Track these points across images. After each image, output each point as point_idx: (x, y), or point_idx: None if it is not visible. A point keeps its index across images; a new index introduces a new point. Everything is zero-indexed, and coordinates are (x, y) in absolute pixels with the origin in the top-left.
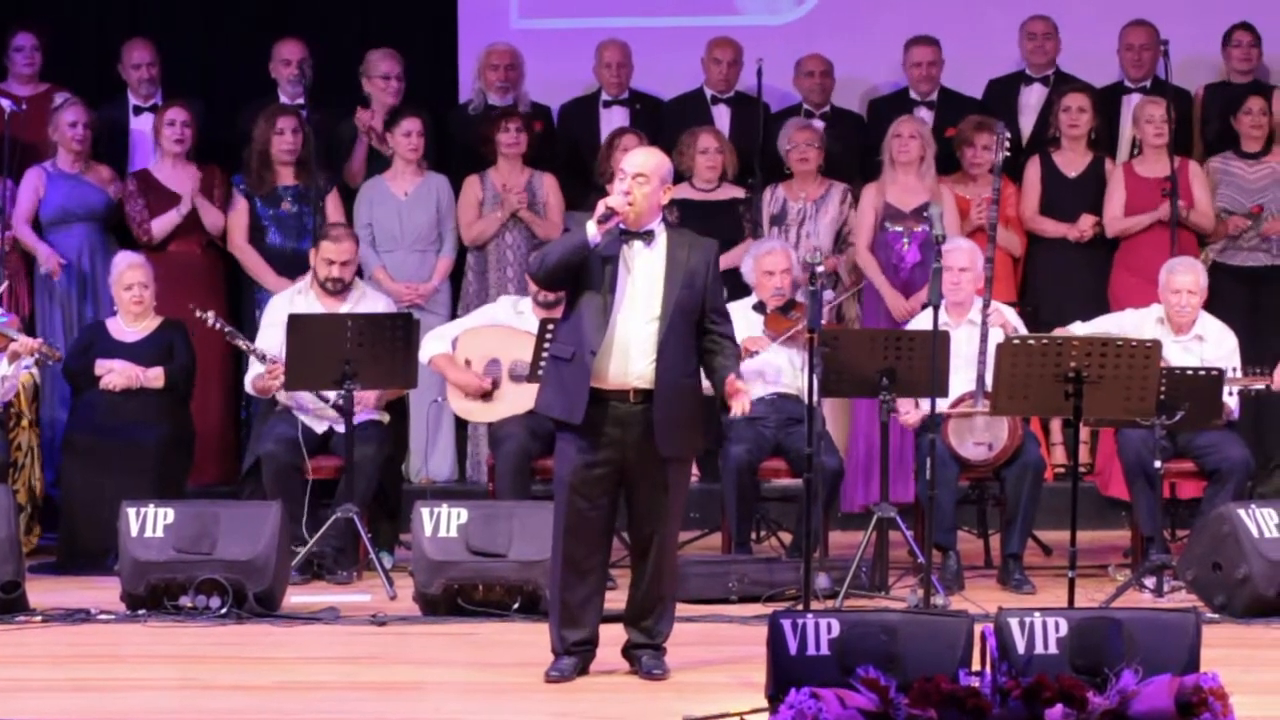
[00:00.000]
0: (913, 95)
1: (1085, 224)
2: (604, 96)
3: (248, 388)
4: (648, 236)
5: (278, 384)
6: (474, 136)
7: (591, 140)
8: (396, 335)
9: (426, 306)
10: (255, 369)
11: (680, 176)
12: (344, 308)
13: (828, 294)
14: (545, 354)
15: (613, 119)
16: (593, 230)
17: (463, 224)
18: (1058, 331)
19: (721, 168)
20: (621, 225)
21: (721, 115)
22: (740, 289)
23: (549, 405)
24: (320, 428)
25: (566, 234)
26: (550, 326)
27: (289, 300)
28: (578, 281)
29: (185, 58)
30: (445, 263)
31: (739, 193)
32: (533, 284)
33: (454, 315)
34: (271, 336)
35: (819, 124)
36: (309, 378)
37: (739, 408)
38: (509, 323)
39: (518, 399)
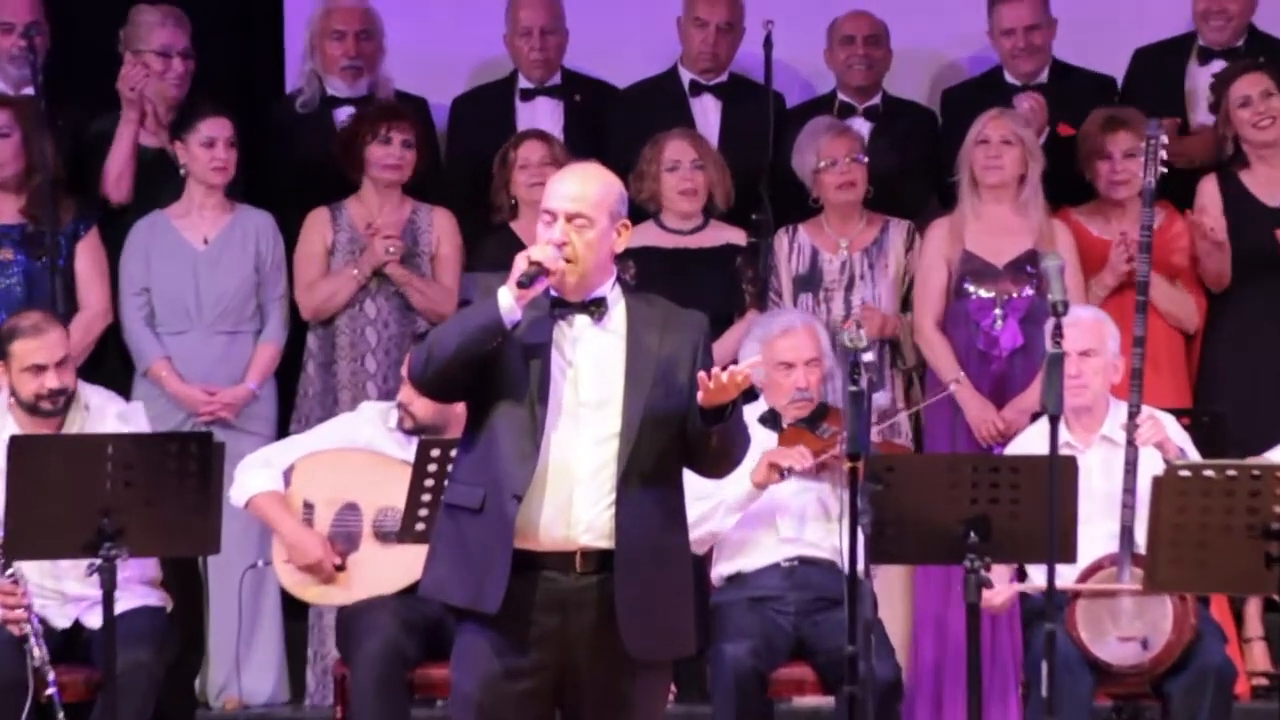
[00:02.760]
0: (1008, 78)
1: None
2: (521, 83)
3: None
4: (596, 308)
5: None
6: (310, 144)
7: (498, 147)
8: (188, 468)
9: (237, 422)
10: None
11: (640, 210)
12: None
13: (880, 397)
14: (428, 501)
15: (536, 116)
16: (508, 301)
17: (299, 286)
18: (1252, 460)
19: (704, 192)
20: (554, 291)
21: (706, 110)
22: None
23: (442, 585)
24: (63, 621)
25: (466, 309)
26: (436, 454)
27: None
28: (488, 385)
29: None
30: (268, 351)
31: (735, 235)
32: (411, 389)
33: (283, 434)
34: None
35: (864, 126)
36: (41, 540)
37: (729, 382)
38: (375, 446)
39: (385, 571)
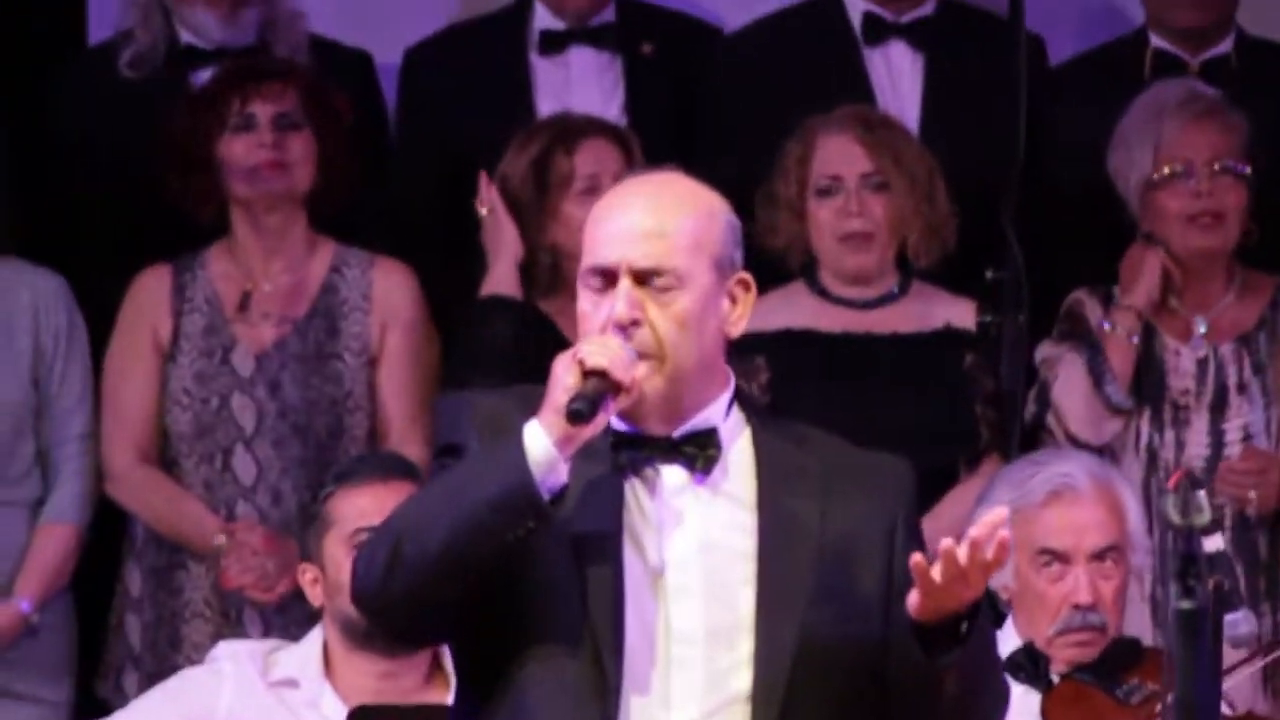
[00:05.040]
0: None
1: None
2: (541, 20)
3: None
4: (701, 450)
5: None
6: (138, 142)
7: (506, 132)
8: None
9: None
10: None
11: (774, 264)
12: None
13: (1239, 622)
14: None
15: (572, 83)
16: (545, 449)
17: (113, 420)
18: None
19: (892, 232)
20: (619, 422)
21: (895, 67)
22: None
23: None
24: None
25: (458, 468)
26: None
27: None
28: (504, 614)
29: None
30: (58, 541)
31: (958, 311)
32: (358, 611)
33: (86, 706)
34: None
35: (1211, 92)
36: None
37: (969, 563)
38: None
39: None
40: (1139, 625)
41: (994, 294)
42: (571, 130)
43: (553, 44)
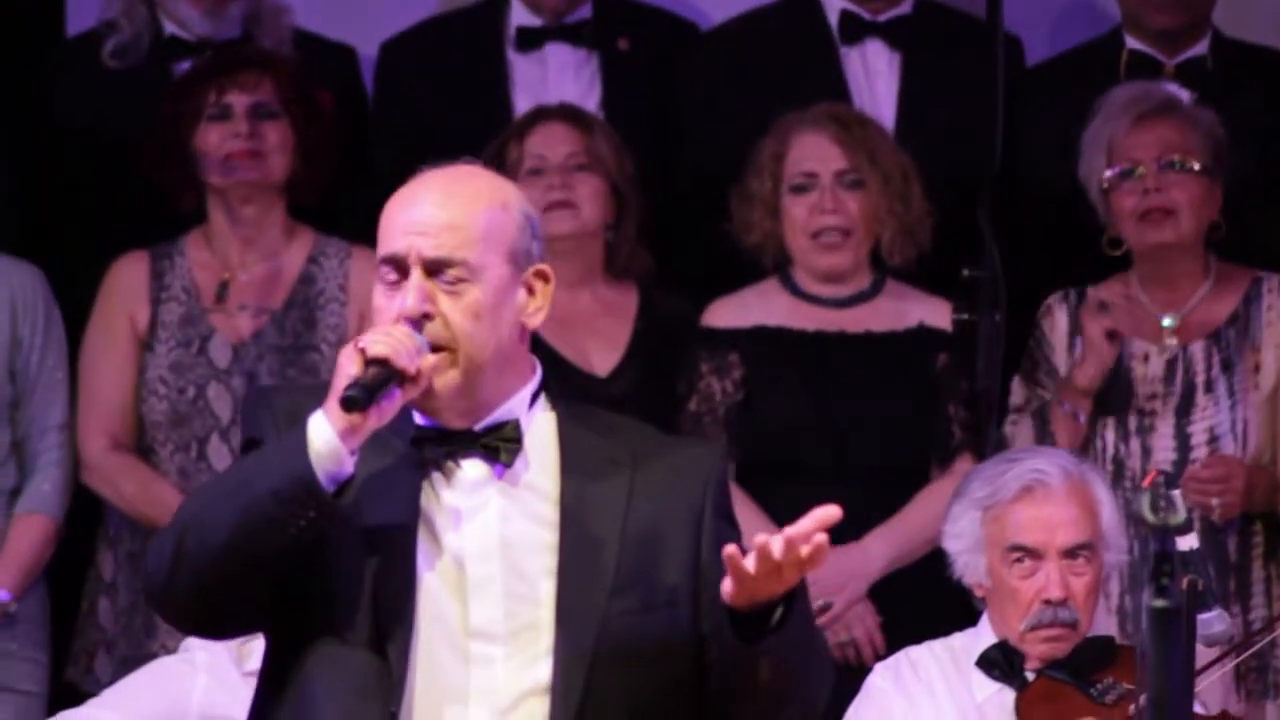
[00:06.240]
0: None
1: None
2: (518, 16)
3: None
4: (501, 441)
5: None
6: (119, 129)
7: (484, 128)
8: None
9: None
10: None
11: (750, 263)
12: None
13: (1212, 622)
14: None
15: (548, 78)
16: (328, 439)
17: (90, 409)
18: None
19: (867, 230)
20: (419, 416)
21: (871, 65)
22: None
23: None
24: None
25: (249, 457)
26: None
27: None
28: (296, 604)
29: None
30: (35, 531)
31: (932, 310)
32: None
33: (59, 696)
34: None
35: (1185, 95)
36: None
37: (783, 556)
38: (216, 713)
39: None
40: (1107, 623)
41: (970, 292)
42: (528, 119)
43: (529, 40)
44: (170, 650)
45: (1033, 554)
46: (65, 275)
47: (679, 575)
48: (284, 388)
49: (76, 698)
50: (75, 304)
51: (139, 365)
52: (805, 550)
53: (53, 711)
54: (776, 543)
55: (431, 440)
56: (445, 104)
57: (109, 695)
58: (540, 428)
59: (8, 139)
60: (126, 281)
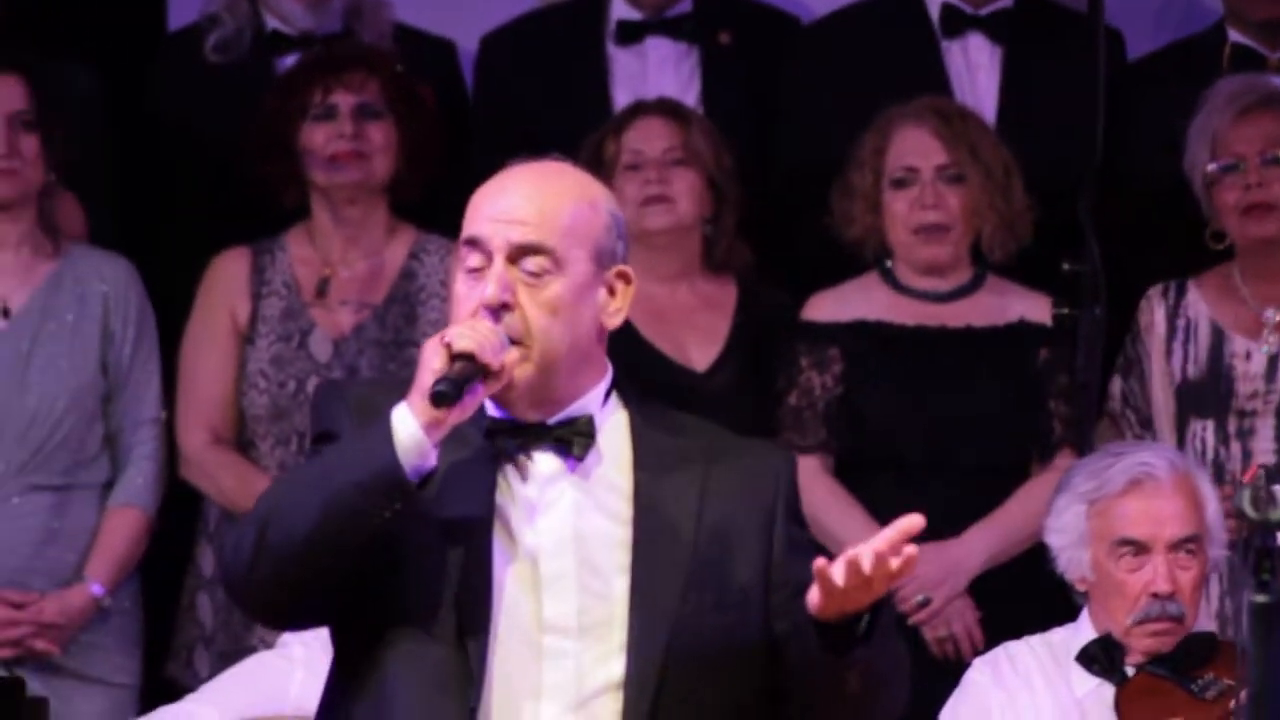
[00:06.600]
0: None
1: None
2: (619, 10)
3: None
4: (575, 436)
5: None
6: (223, 126)
7: (583, 123)
8: None
9: (71, 659)
10: None
11: (851, 257)
12: None
13: None
14: None
15: (648, 72)
16: (413, 433)
17: (188, 403)
18: None
19: (967, 224)
20: (493, 408)
21: (973, 58)
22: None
23: None
24: None
25: (328, 451)
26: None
27: None
28: (373, 598)
29: None
30: (129, 524)
31: (1033, 305)
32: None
33: (156, 691)
34: None
35: (1270, 83)
36: None
37: (873, 570)
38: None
39: None
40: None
41: (1071, 287)
42: (626, 114)
43: (630, 34)
44: (268, 645)
45: (1140, 547)
46: (167, 271)
47: (751, 575)
48: (353, 381)
49: (176, 692)
50: (177, 299)
51: (239, 360)
52: (895, 563)
53: (146, 705)
54: (866, 556)
55: (505, 432)
56: (545, 98)
57: (206, 690)
58: (613, 424)
59: (110, 134)
60: (227, 276)
